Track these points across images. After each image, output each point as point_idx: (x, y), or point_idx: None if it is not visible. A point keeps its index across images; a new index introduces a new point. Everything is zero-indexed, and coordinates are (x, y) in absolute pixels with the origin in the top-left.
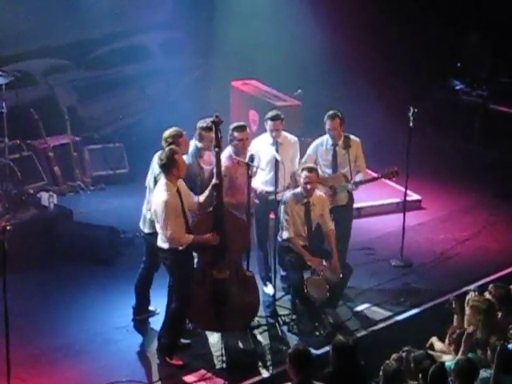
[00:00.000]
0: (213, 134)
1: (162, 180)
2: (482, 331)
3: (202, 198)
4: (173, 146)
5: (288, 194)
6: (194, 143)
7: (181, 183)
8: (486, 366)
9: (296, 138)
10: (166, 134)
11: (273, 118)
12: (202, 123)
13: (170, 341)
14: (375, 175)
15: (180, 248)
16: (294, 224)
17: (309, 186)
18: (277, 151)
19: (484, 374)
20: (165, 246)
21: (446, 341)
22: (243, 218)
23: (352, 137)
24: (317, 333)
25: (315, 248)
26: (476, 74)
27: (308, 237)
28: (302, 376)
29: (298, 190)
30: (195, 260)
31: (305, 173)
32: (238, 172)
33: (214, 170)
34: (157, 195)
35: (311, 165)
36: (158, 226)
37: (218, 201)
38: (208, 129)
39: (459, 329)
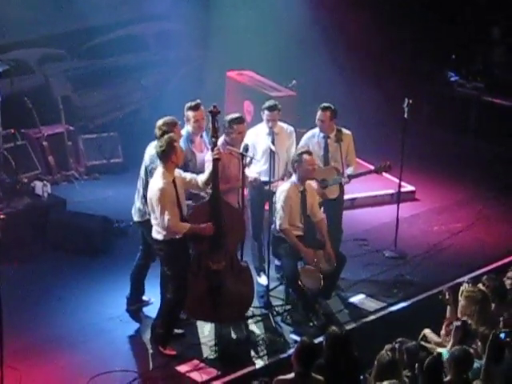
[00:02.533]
0: (197, 113)
1: (160, 169)
2: (476, 321)
3: (203, 177)
4: (172, 134)
5: (286, 184)
6: (185, 129)
7: (177, 175)
8: (477, 356)
9: (292, 128)
10: (161, 122)
11: (270, 109)
12: (188, 104)
13: (164, 331)
14: (369, 167)
15: (177, 237)
16: (290, 214)
17: (311, 168)
18: (273, 142)
19: (475, 364)
20: (159, 237)
21: (442, 331)
22: (239, 209)
23: (344, 130)
24: (310, 323)
25: (310, 238)
26: (471, 66)
27: (303, 227)
28: (301, 369)
29: (294, 179)
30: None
31: (305, 156)
32: (230, 162)
33: (211, 158)
34: (153, 183)
35: (306, 149)
36: (153, 217)
37: (214, 192)
38: (191, 108)
39: (456, 320)
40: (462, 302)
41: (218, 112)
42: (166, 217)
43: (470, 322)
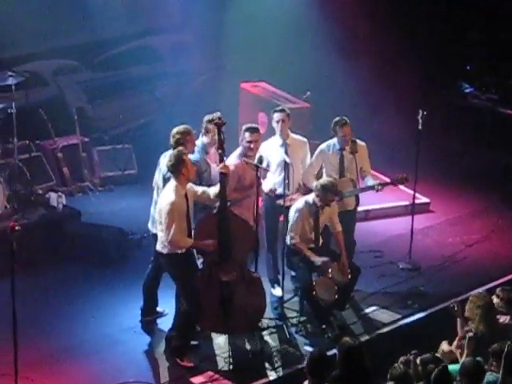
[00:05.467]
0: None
1: (172, 182)
2: (477, 326)
3: (213, 191)
4: (181, 148)
5: (301, 202)
6: (200, 140)
7: (189, 189)
8: (489, 368)
9: (305, 139)
10: (175, 130)
11: (278, 110)
12: (207, 116)
13: (181, 343)
14: (384, 179)
15: (179, 252)
16: (302, 230)
17: (324, 205)
18: (286, 153)
19: (490, 377)
20: (164, 250)
21: (455, 343)
22: (247, 220)
23: (358, 141)
24: (325, 335)
25: (323, 250)
26: (485, 78)
27: (315, 240)
28: (315, 380)
29: (310, 199)
30: (200, 260)
31: (330, 196)
32: (246, 173)
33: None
34: (164, 196)
35: (332, 181)
36: (159, 228)
37: (222, 203)
38: (213, 122)
39: (469, 331)
40: (467, 305)
41: (223, 123)
42: (172, 231)
43: (472, 325)
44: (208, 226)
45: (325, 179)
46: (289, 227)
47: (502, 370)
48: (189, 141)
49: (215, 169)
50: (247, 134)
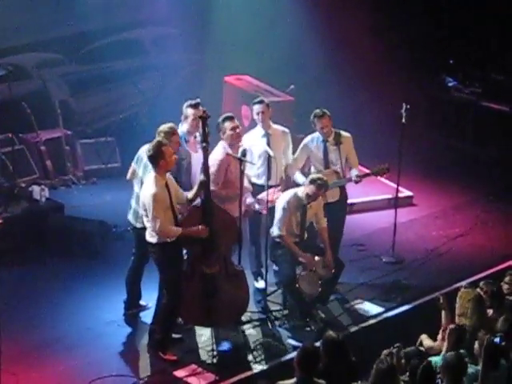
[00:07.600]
0: (197, 111)
1: (151, 173)
2: (470, 320)
3: (190, 194)
4: (160, 138)
5: (290, 195)
6: (180, 128)
7: (169, 178)
8: (473, 361)
9: (287, 130)
10: (161, 128)
11: (257, 102)
12: (187, 102)
13: (163, 336)
14: (367, 171)
15: (169, 241)
16: (288, 224)
17: (312, 200)
18: (268, 143)
19: (470, 369)
20: (153, 240)
21: (439, 337)
22: (230, 213)
23: (343, 133)
24: (308, 328)
25: (308, 244)
26: (469, 71)
27: (300, 234)
28: (303, 374)
29: (299, 192)
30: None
31: (312, 187)
32: (231, 165)
33: (201, 166)
34: (145, 189)
35: (321, 179)
36: (145, 220)
37: (206, 196)
38: (191, 106)
39: (451, 324)
40: (457, 302)
41: (208, 116)
42: (158, 222)
43: (464, 321)
44: (192, 220)
45: (316, 175)
46: (276, 219)
47: (481, 363)
48: (173, 141)
49: (195, 157)
50: (228, 124)
